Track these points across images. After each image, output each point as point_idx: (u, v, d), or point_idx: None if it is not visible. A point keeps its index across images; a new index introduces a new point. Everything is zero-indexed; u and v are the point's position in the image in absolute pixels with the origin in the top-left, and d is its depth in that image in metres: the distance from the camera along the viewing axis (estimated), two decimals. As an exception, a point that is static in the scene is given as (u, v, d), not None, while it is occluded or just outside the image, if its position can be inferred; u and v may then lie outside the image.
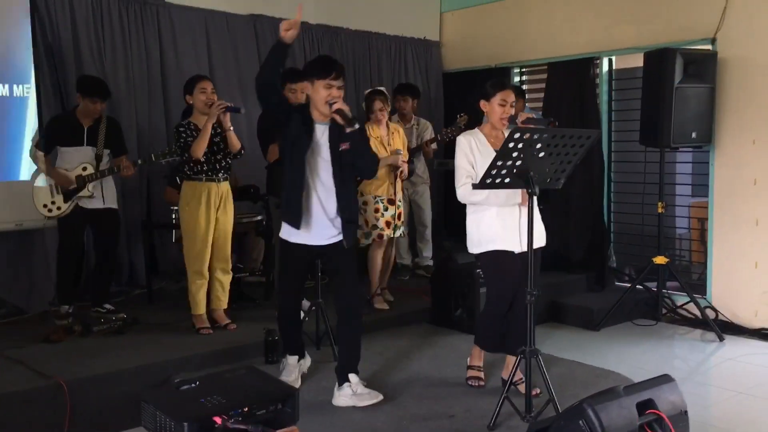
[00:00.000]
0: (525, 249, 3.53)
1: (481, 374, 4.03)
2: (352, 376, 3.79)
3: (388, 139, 5.36)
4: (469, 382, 4.00)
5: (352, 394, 3.74)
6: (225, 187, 4.68)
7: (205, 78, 4.70)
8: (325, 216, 3.72)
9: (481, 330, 4.00)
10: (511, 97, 3.76)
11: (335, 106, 3.56)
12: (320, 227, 3.73)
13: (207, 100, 4.52)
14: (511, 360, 3.84)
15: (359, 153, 3.72)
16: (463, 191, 3.68)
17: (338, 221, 3.73)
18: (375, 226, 5.23)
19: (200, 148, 4.44)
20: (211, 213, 4.58)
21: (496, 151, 3.67)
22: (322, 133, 3.71)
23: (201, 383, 2.16)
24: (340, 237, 3.75)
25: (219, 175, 4.62)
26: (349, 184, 3.81)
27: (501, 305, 3.81)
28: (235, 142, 4.58)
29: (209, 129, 4.45)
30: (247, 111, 6.03)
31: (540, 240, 3.78)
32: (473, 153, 3.71)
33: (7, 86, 5.02)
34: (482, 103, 3.80)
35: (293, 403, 2.12)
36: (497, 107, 3.73)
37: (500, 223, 3.70)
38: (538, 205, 3.64)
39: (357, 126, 3.58)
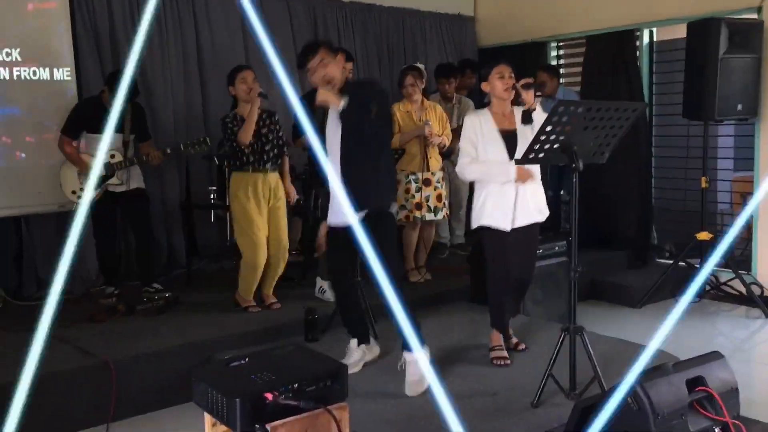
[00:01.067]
0: (517, 225, 3.77)
1: (504, 353, 4.00)
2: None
3: (420, 114, 5.31)
4: (495, 362, 3.95)
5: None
6: (274, 177, 4.62)
7: (246, 68, 4.62)
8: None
9: (491, 309, 4.06)
10: (507, 69, 3.78)
11: (318, 99, 3.50)
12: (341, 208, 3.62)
13: (248, 89, 4.50)
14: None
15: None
16: (459, 167, 3.91)
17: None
18: (403, 206, 5.20)
19: (247, 135, 4.42)
20: (261, 204, 4.53)
21: (500, 131, 3.77)
22: (331, 115, 3.62)
23: (250, 360, 2.17)
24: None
25: (266, 166, 4.56)
26: (358, 163, 3.61)
27: (498, 283, 3.92)
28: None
29: (254, 116, 4.44)
30: (282, 95, 6.04)
31: (537, 215, 3.88)
32: (476, 134, 3.80)
33: (47, 70, 5.07)
34: (483, 86, 3.87)
35: (342, 379, 2.12)
36: (497, 82, 3.77)
37: (492, 201, 3.80)
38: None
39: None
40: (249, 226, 4.51)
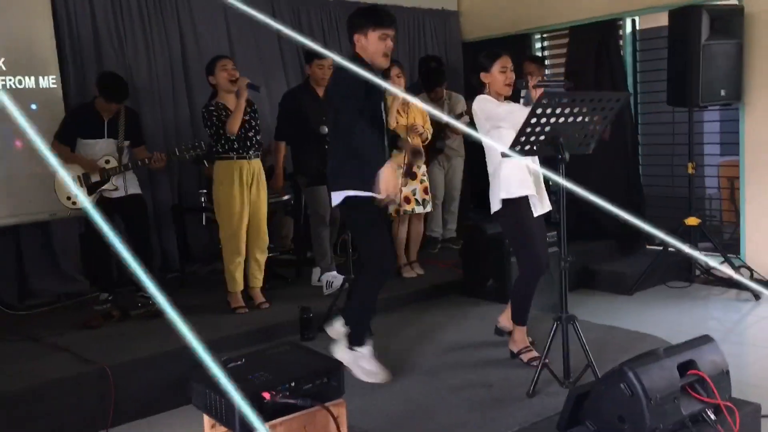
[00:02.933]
0: (536, 214, 3.74)
1: (536, 352, 3.84)
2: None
3: (404, 108, 5.35)
4: (534, 364, 3.68)
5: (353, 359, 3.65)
6: (257, 164, 4.70)
7: (225, 56, 4.73)
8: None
9: (519, 303, 3.86)
10: (509, 62, 3.76)
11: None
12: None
13: (229, 76, 4.54)
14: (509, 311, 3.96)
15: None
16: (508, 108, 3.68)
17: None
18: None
19: (235, 124, 4.48)
20: (245, 191, 4.60)
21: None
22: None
23: (247, 360, 2.19)
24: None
25: (250, 153, 4.64)
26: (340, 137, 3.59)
27: (533, 270, 3.76)
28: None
29: (243, 104, 4.50)
30: (268, 90, 6.07)
31: (548, 205, 3.88)
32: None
33: (33, 78, 5.06)
34: (483, 76, 3.78)
35: (339, 376, 2.14)
36: (498, 75, 3.73)
37: (518, 177, 3.68)
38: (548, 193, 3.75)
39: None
40: (231, 213, 4.58)
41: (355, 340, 3.67)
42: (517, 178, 3.68)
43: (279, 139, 5.39)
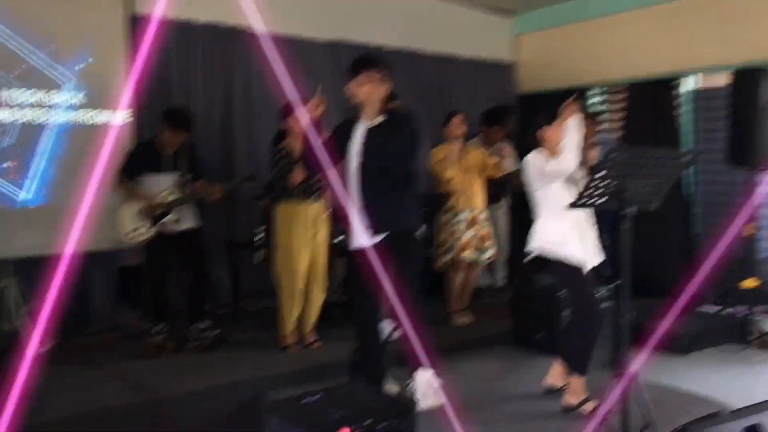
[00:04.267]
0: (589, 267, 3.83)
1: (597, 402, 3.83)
2: None
3: (461, 155, 5.41)
4: (594, 414, 3.66)
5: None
6: (317, 208, 4.78)
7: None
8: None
9: (580, 354, 3.93)
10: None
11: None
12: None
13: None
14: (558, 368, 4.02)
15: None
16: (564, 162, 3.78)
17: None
18: (450, 248, 5.25)
19: (299, 177, 4.59)
20: (305, 234, 4.67)
21: None
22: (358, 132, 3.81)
23: (322, 396, 2.22)
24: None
25: (312, 197, 4.73)
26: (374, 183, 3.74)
27: (595, 321, 3.85)
28: None
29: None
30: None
31: (597, 258, 3.93)
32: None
33: (107, 113, 5.27)
34: (549, 132, 3.91)
35: (411, 418, 2.16)
36: (553, 135, 3.85)
37: (575, 235, 3.83)
38: (602, 238, 3.77)
39: None
40: (289, 255, 4.66)
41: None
42: (574, 236, 3.80)
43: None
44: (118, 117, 5.28)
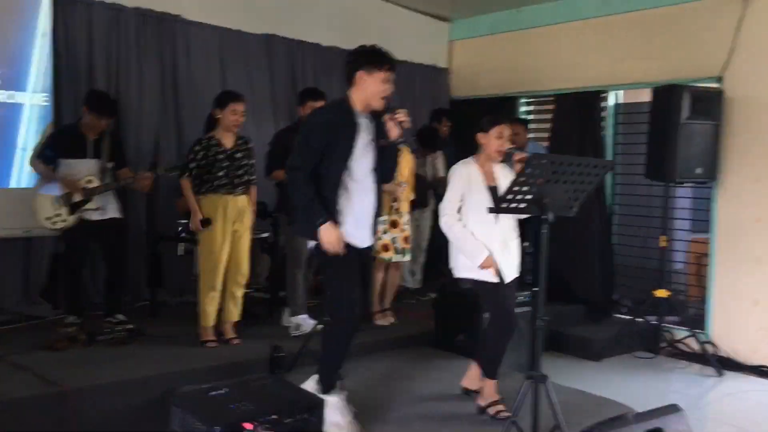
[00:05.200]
0: (507, 281, 3.89)
1: (503, 406, 3.92)
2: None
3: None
4: (500, 417, 3.82)
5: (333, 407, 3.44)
6: (243, 200, 4.72)
7: (241, 99, 4.70)
8: (366, 215, 3.59)
9: (489, 360, 4.01)
10: (507, 131, 3.95)
11: (404, 125, 3.45)
12: (365, 227, 3.60)
13: (236, 122, 4.60)
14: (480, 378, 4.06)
15: (392, 157, 3.67)
16: (444, 220, 3.91)
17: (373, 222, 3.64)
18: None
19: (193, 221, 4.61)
20: (227, 226, 4.61)
21: (486, 185, 3.90)
22: (366, 126, 3.56)
23: (230, 389, 2.18)
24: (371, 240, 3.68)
25: (237, 190, 4.67)
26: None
27: (505, 329, 3.94)
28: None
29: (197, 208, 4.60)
30: (257, 128, 6.11)
31: (516, 270, 4.02)
32: (469, 185, 3.91)
33: (25, 94, 5.07)
34: (480, 136, 3.97)
35: (320, 413, 2.14)
36: (494, 140, 3.92)
37: (494, 246, 3.88)
38: (523, 244, 3.99)
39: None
40: (212, 248, 4.59)
41: (323, 388, 3.46)
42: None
43: (269, 175, 5.36)
44: (35, 99, 5.10)
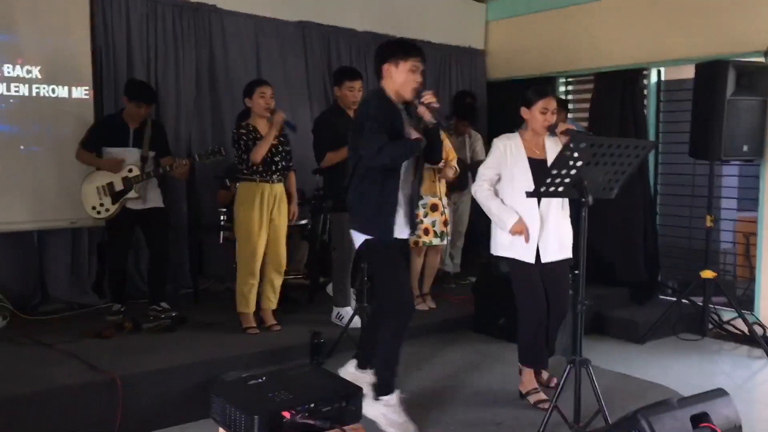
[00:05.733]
0: (545, 260, 3.77)
1: (543, 395, 3.86)
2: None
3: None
4: (540, 406, 3.76)
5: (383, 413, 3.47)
6: (279, 188, 4.73)
7: (266, 83, 4.75)
8: (407, 206, 3.56)
9: (520, 345, 3.93)
10: (553, 104, 3.81)
11: (433, 105, 3.37)
12: (404, 218, 3.55)
13: (266, 104, 4.62)
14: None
15: (435, 139, 3.59)
16: (479, 191, 3.87)
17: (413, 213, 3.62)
18: None
19: (260, 154, 4.52)
20: (264, 214, 4.64)
21: (529, 157, 3.78)
22: (405, 116, 3.53)
23: (268, 378, 2.20)
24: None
25: (274, 177, 4.68)
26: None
27: (528, 316, 3.83)
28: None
29: (271, 137, 4.55)
30: (293, 115, 6.13)
31: (564, 252, 3.86)
32: (506, 157, 3.80)
33: (66, 88, 5.16)
34: (523, 110, 3.84)
35: (357, 401, 2.15)
36: (539, 115, 3.78)
37: (533, 227, 3.77)
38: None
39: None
40: (249, 235, 4.61)
41: (382, 389, 3.46)
42: (509, 236, 3.80)
43: (320, 162, 5.14)
44: (77, 92, 5.19)
